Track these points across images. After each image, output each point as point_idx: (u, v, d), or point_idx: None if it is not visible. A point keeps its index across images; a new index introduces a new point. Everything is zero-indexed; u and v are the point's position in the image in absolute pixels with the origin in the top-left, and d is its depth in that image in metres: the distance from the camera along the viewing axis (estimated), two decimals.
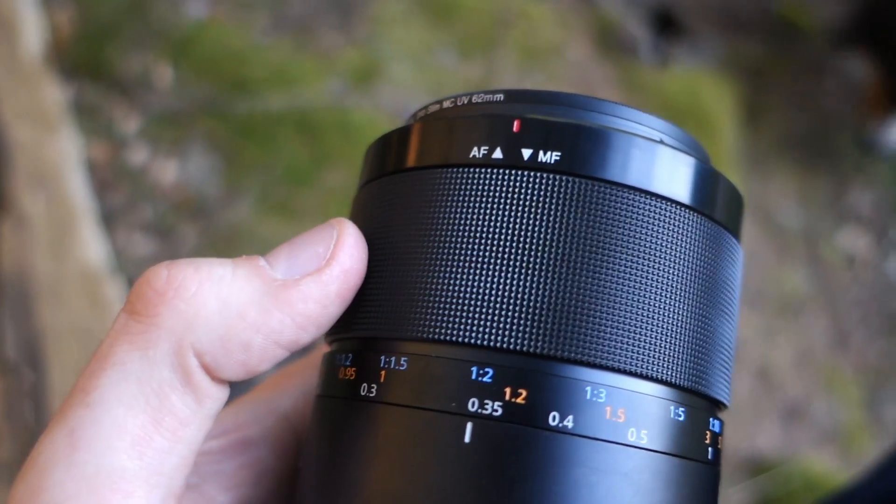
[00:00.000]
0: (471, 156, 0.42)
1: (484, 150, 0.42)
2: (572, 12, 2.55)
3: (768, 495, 2.02)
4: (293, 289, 0.41)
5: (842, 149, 2.64)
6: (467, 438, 0.38)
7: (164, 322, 0.39)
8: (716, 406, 0.45)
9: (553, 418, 0.38)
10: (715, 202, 0.44)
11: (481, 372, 0.39)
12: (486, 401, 0.38)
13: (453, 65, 2.34)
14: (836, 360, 2.32)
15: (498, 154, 0.42)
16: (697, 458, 0.42)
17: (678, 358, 0.41)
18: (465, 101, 0.46)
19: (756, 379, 2.20)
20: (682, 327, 0.41)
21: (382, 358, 0.42)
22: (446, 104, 0.47)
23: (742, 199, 0.48)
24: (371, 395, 0.41)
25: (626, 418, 0.39)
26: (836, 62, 2.77)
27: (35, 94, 1.90)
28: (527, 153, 0.41)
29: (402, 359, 0.41)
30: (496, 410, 0.38)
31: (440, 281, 0.41)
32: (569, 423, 0.38)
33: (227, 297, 0.40)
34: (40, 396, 1.55)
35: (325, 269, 0.42)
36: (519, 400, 0.38)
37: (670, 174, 0.42)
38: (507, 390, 0.39)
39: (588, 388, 0.39)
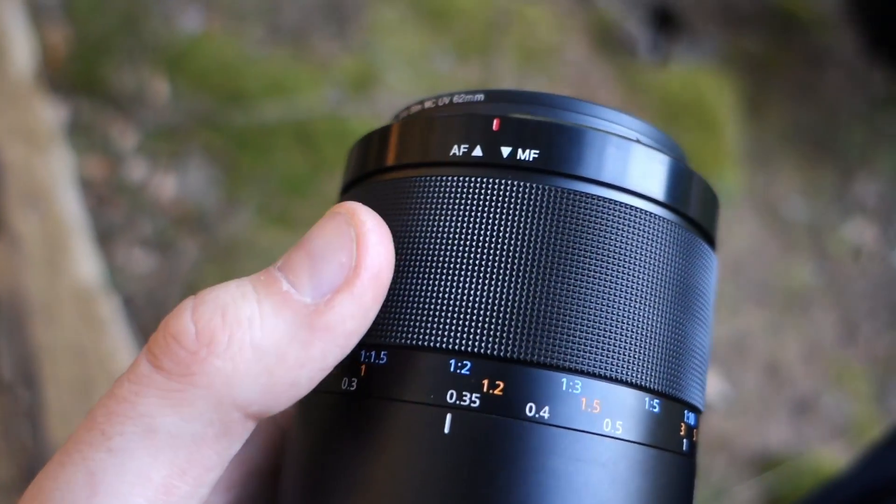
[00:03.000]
0: (451, 154, 0.43)
1: (464, 148, 0.43)
2: (569, 13, 2.54)
3: (778, 491, 2.01)
4: (328, 313, 0.39)
5: (846, 140, 2.62)
6: (446, 429, 0.39)
7: (201, 382, 0.38)
8: (690, 409, 0.45)
9: (530, 409, 0.39)
10: (689, 199, 0.46)
11: (459, 364, 0.40)
12: (464, 392, 0.39)
13: (450, 69, 2.33)
14: (844, 353, 2.31)
15: (478, 152, 0.43)
16: (672, 450, 0.43)
17: (650, 362, 0.42)
18: (447, 102, 0.47)
19: (764, 374, 2.19)
20: (654, 332, 0.42)
21: (363, 352, 0.42)
22: (428, 104, 0.48)
23: (717, 198, 0.49)
24: (352, 388, 0.42)
25: (601, 409, 0.40)
26: (838, 52, 2.75)
27: (26, 112, 1.90)
28: (506, 151, 0.42)
29: (382, 353, 0.42)
30: (474, 402, 0.39)
31: (419, 287, 0.42)
32: (545, 413, 0.39)
33: (261, 342, 0.38)
34: (36, 416, 1.55)
35: (355, 279, 0.39)
36: (496, 391, 0.39)
37: (645, 171, 0.44)
38: (485, 382, 0.39)
39: (564, 380, 0.40)
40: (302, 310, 0.39)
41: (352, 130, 2.08)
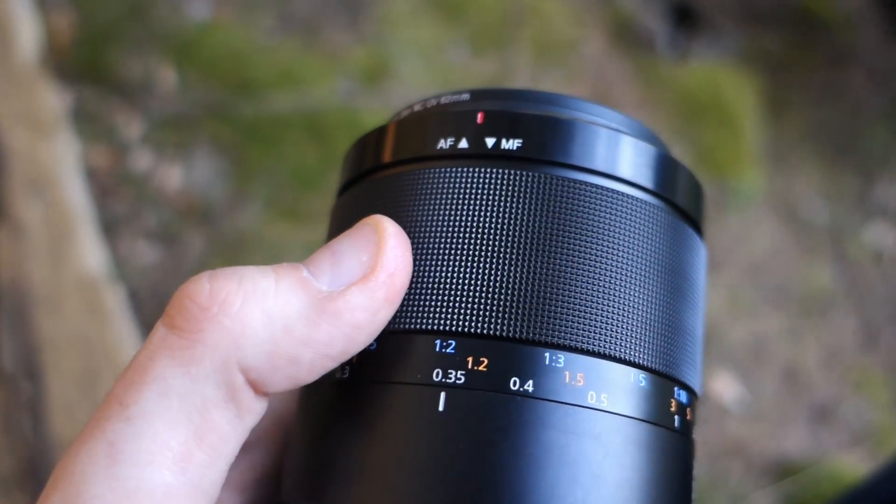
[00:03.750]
0: (438, 147, 0.46)
1: (451, 141, 0.45)
2: (586, 6, 2.53)
3: (797, 499, 1.99)
4: (340, 300, 0.41)
5: (868, 142, 2.59)
6: (440, 407, 0.41)
7: (209, 339, 0.39)
8: (680, 386, 0.46)
9: (514, 383, 0.41)
10: (672, 187, 0.48)
11: (444, 344, 0.42)
12: (449, 371, 0.41)
13: (465, 62, 2.32)
14: (865, 359, 2.28)
15: (464, 144, 0.45)
16: (662, 424, 0.44)
17: (634, 337, 0.43)
18: (435, 103, 0.50)
19: (783, 380, 2.17)
20: (636, 308, 0.43)
21: None
22: (417, 107, 0.51)
23: (701, 187, 0.51)
24: (345, 376, 0.44)
25: (584, 382, 0.41)
26: (860, 52, 2.73)
27: (31, 99, 1.89)
28: (490, 141, 0.45)
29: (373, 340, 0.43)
30: (459, 379, 0.41)
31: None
32: (529, 387, 0.41)
33: (272, 312, 0.40)
34: (38, 409, 1.54)
35: (371, 276, 0.42)
36: (481, 368, 0.41)
37: (626, 159, 0.46)
38: (470, 359, 0.41)
39: (547, 354, 0.41)
40: (316, 293, 0.41)
41: (364, 123, 2.07)
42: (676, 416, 0.45)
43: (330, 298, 0.41)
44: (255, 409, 0.41)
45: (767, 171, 2.43)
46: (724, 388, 2.07)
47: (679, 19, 2.59)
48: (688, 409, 0.46)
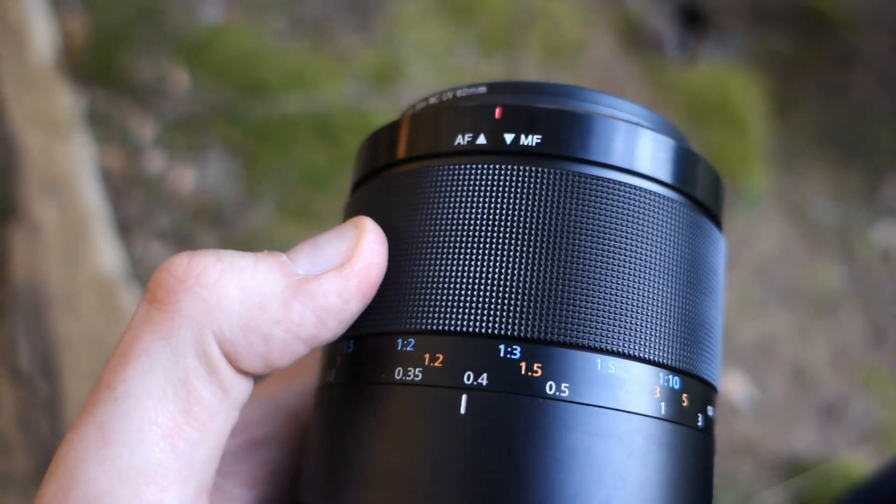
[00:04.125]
0: (456, 143, 0.45)
1: (469, 137, 0.45)
2: (595, 9, 2.53)
3: (806, 497, 1.99)
4: (314, 283, 0.42)
5: (875, 142, 2.60)
6: (462, 410, 0.40)
7: (185, 309, 0.40)
8: (669, 370, 0.44)
9: (468, 377, 0.41)
10: (692, 180, 0.47)
11: (405, 343, 0.42)
12: (409, 368, 0.42)
13: (474, 64, 2.32)
14: (873, 358, 2.28)
15: (482, 140, 0.44)
16: (637, 412, 0.42)
17: (592, 321, 0.41)
18: (451, 96, 0.49)
19: (791, 379, 2.17)
20: (595, 291, 0.42)
21: (338, 344, 0.46)
22: (432, 100, 0.50)
23: (720, 180, 0.50)
24: (331, 379, 0.46)
25: (543, 373, 0.40)
26: (867, 53, 2.73)
27: (46, 100, 1.89)
28: (509, 137, 0.44)
29: (350, 343, 0.45)
30: (417, 376, 0.41)
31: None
32: (482, 380, 0.40)
33: (247, 287, 0.41)
34: (55, 408, 1.54)
35: (346, 264, 0.42)
36: (437, 364, 0.41)
37: (646, 154, 0.45)
38: (427, 356, 0.42)
39: (501, 346, 0.41)
40: (292, 276, 0.42)
41: (374, 124, 2.03)
42: (662, 403, 0.43)
43: (305, 281, 0.42)
44: (238, 386, 0.41)
45: (775, 171, 2.44)
46: (733, 387, 2.08)
47: (687, 21, 2.59)
48: (683, 395, 0.44)
